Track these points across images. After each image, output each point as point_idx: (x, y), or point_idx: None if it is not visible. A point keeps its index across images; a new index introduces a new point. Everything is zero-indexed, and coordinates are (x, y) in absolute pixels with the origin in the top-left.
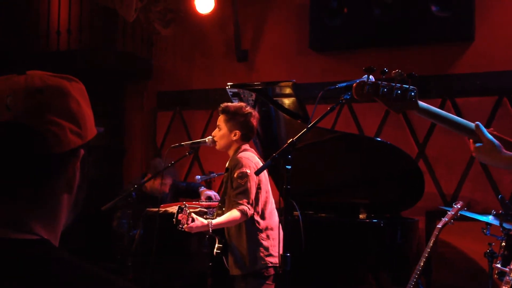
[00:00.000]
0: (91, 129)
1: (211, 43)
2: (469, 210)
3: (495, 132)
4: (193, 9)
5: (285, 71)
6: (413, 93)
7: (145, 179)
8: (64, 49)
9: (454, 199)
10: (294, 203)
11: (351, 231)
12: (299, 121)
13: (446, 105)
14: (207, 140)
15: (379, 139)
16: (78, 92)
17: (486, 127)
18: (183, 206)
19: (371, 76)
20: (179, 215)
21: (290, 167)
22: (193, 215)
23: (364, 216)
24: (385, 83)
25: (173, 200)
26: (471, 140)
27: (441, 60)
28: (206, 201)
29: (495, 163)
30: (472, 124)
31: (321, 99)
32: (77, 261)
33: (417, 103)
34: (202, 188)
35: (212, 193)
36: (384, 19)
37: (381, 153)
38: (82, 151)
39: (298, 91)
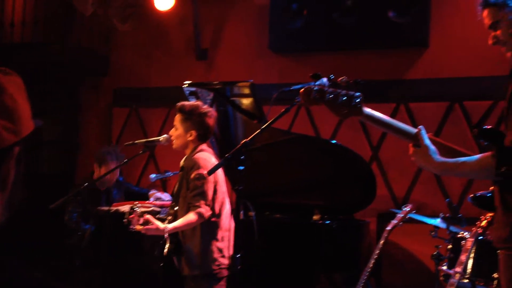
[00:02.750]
0: (27, 125)
1: (171, 40)
2: (419, 212)
3: (435, 138)
4: (153, 5)
5: (244, 71)
6: (358, 100)
7: (94, 173)
8: (18, 42)
9: (405, 202)
10: (249, 204)
11: (305, 232)
12: (256, 122)
13: (401, 110)
14: (161, 139)
15: (334, 141)
16: (13, 86)
17: (438, 132)
18: (135, 206)
19: (325, 79)
20: (131, 215)
21: (242, 168)
22: (149, 216)
23: (318, 217)
24: (331, 89)
25: (122, 197)
26: (410, 144)
27: (397, 65)
28: (157, 200)
29: (429, 168)
30: (413, 130)
31: (278, 101)
32: None
33: (362, 110)
34: (152, 191)
35: (162, 195)
36: (343, 22)
37: (335, 155)
38: (17, 149)
39: (256, 92)
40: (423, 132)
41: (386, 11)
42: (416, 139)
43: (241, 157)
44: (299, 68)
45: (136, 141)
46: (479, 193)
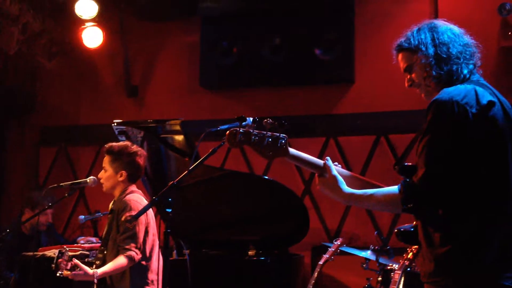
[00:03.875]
0: None
1: (100, 77)
2: (351, 244)
3: (344, 169)
4: (81, 42)
5: (176, 108)
6: (283, 141)
7: (23, 216)
8: None
9: (338, 234)
10: (182, 243)
11: (240, 268)
12: (187, 159)
13: (330, 144)
14: (88, 181)
15: (266, 177)
16: None
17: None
18: (63, 250)
19: (251, 120)
20: (59, 259)
21: (170, 210)
22: (76, 261)
23: (253, 252)
24: (257, 131)
25: (51, 243)
26: (316, 174)
27: (325, 100)
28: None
29: (335, 197)
30: (321, 162)
31: (211, 137)
32: None
33: (287, 150)
34: (79, 238)
35: (93, 239)
36: (272, 59)
37: (268, 191)
38: None
39: (189, 128)
40: (329, 162)
41: (312, 49)
42: (322, 169)
43: (169, 199)
44: (230, 104)
45: (62, 184)
46: (402, 228)
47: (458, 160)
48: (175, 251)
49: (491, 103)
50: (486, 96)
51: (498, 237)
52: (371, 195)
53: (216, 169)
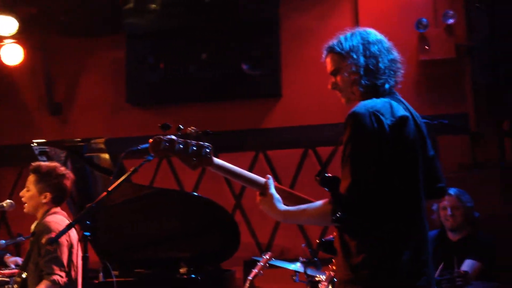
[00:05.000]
0: None
1: (21, 95)
2: (282, 257)
3: (282, 187)
4: (0, 60)
5: (102, 126)
6: (208, 150)
7: None
8: None
9: (269, 248)
10: (108, 264)
11: (172, 287)
12: (112, 178)
13: (260, 158)
14: (5, 205)
15: (195, 193)
16: None
17: (295, 178)
18: None
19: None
20: None
21: (88, 234)
22: None
23: (185, 270)
24: (181, 139)
25: None
26: (257, 193)
27: (254, 115)
28: (14, 268)
29: (273, 215)
30: (261, 179)
31: (140, 155)
32: None
33: (212, 160)
34: (8, 255)
35: (19, 259)
36: (200, 75)
37: (198, 207)
38: None
39: (116, 146)
40: (270, 181)
41: (239, 64)
42: (263, 188)
43: (87, 222)
44: (159, 120)
45: None
46: (324, 239)
47: (378, 171)
48: (101, 274)
49: (404, 117)
50: (400, 110)
51: (411, 246)
52: (304, 210)
53: (144, 187)
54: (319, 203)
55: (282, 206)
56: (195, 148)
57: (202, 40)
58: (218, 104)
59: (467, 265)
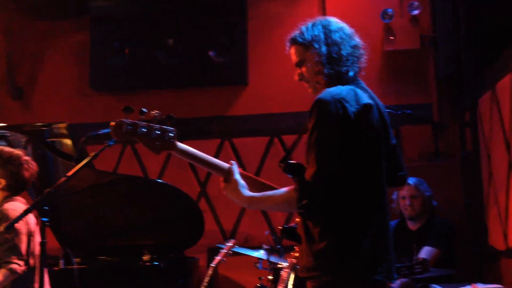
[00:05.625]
0: None
1: None
2: (246, 245)
3: (247, 173)
4: None
5: (65, 111)
6: (171, 134)
7: None
8: None
9: (234, 235)
10: (69, 252)
11: (134, 274)
12: (73, 163)
13: (225, 145)
14: None
15: (159, 180)
16: None
17: (260, 165)
18: None
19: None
20: None
21: (46, 219)
22: None
23: (148, 257)
24: (144, 123)
25: None
26: (221, 178)
27: (220, 102)
28: None
29: (237, 201)
30: (225, 165)
31: (101, 140)
32: None
33: (175, 144)
34: None
35: None
36: (166, 61)
37: (161, 194)
38: None
39: (79, 132)
40: (234, 167)
41: (206, 51)
42: (227, 173)
43: (45, 208)
44: (123, 106)
45: None
46: (287, 225)
47: (343, 158)
48: (61, 261)
49: (368, 105)
50: (364, 98)
51: (373, 233)
52: (270, 197)
53: (108, 174)
54: (284, 189)
55: (247, 192)
56: (158, 132)
57: (168, 26)
58: (184, 90)
59: (425, 252)
